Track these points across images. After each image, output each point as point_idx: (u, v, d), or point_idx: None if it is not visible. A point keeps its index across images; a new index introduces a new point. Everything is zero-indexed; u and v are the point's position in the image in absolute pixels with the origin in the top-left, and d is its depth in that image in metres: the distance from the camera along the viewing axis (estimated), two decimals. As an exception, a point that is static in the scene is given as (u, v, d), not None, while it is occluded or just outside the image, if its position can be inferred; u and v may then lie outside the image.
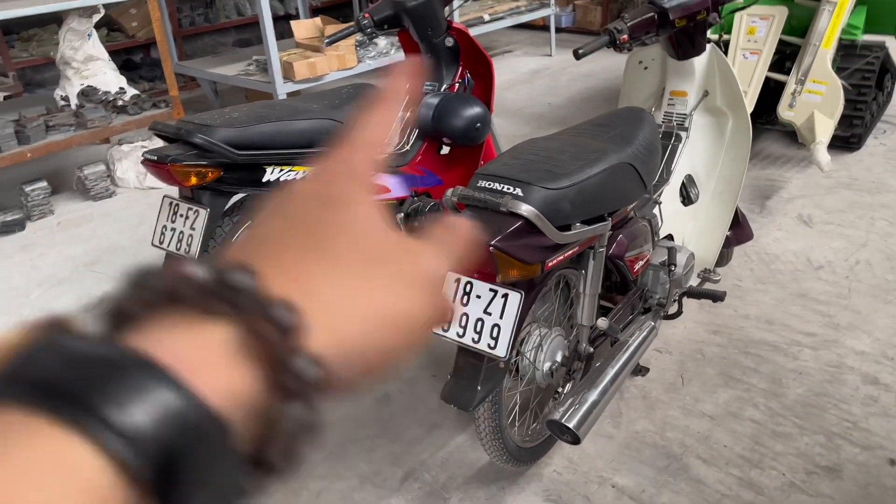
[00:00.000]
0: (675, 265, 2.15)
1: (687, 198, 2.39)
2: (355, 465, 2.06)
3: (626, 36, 2.15)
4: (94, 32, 4.16)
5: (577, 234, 1.61)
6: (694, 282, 2.44)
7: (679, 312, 2.30)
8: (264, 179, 2.13)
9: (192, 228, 2.09)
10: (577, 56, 2.15)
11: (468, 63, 2.84)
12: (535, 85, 5.56)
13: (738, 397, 2.23)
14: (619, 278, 2.07)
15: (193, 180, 2.02)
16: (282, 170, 2.15)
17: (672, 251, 2.16)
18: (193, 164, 1.99)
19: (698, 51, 2.28)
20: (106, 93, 4.11)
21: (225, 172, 2.05)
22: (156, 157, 1.99)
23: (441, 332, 1.68)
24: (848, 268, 2.87)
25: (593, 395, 1.81)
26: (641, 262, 2.07)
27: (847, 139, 3.87)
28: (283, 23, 6.22)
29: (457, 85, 2.86)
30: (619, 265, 1.97)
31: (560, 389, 1.90)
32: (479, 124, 2.69)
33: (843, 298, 2.68)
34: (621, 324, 2.06)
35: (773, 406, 2.19)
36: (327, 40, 2.78)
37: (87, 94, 4.07)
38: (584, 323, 1.85)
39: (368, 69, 4.90)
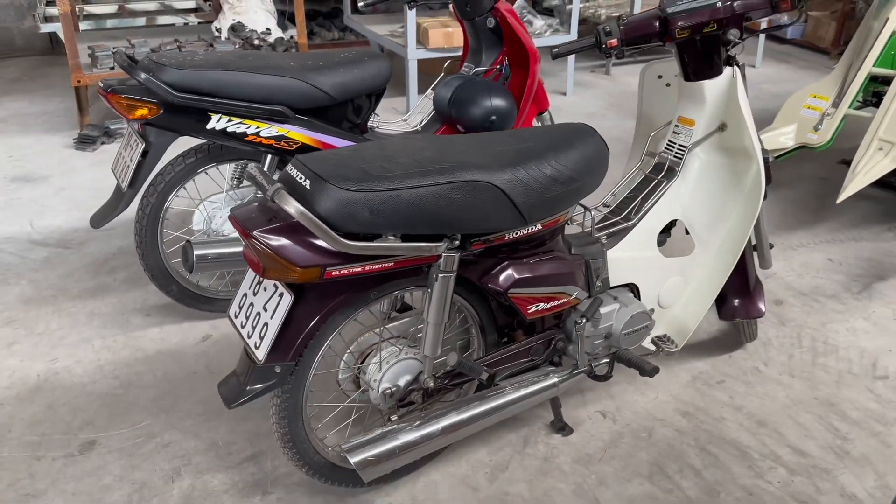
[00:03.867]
0: (589, 319, 1.79)
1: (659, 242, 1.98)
2: (216, 427, 2.02)
3: (614, 40, 1.80)
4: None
5: (375, 248, 1.39)
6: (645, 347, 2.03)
7: (608, 376, 1.93)
8: (209, 126, 2.11)
9: (131, 160, 2.15)
10: (554, 56, 1.85)
11: (511, 49, 2.58)
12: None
13: (649, 497, 1.82)
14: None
15: (136, 114, 2.06)
16: (230, 120, 2.13)
17: (595, 302, 1.80)
18: (130, 98, 2.03)
19: (711, 72, 1.85)
20: (252, 31, 4.37)
21: (165, 112, 2.07)
22: (102, 85, 2.06)
23: (231, 317, 1.56)
24: (920, 389, 2.21)
25: (403, 439, 1.59)
26: (549, 304, 1.75)
27: None
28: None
29: (494, 70, 2.62)
30: (506, 301, 1.69)
31: (393, 417, 1.68)
32: (494, 117, 2.45)
33: (884, 424, 2.07)
34: (499, 367, 1.77)
35: (682, 521, 1.76)
36: (361, 4, 2.67)
37: (236, 29, 4.37)
38: (427, 353, 1.61)
39: (515, 48, 4.69)
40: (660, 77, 2.07)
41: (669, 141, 1.96)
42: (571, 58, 4.99)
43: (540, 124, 2.88)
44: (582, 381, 1.94)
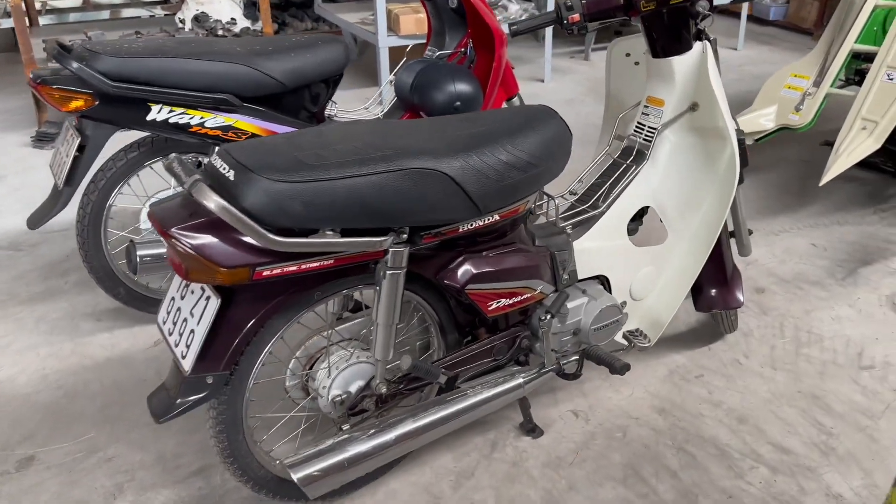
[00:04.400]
0: (555, 315, 1.67)
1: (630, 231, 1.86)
2: (164, 438, 1.89)
3: (577, 15, 1.68)
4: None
5: (310, 244, 1.27)
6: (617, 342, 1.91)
7: (577, 374, 1.81)
8: (149, 118, 1.98)
9: (67, 156, 2.02)
10: (512, 33, 1.73)
11: (476, 31, 2.45)
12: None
13: (622, 501, 1.71)
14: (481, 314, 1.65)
15: (70, 106, 1.93)
16: (172, 110, 1.99)
17: (561, 297, 1.69)
18: (62, 89, 1.89)
19: (680, 48, 1.73)
20: (216, 21, 4.22)
21: (100, 103, 1.94)
22: (32, 76, 1.92)
23: (160, 323, 1.43)
24: (908, 378, 2.11)
25: (352, 451, 1.47)
26: (511, 300, 1.63)
27: None
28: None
29: (459, 53, 2.49)
30: (464, 299, 1.57)
31: (344, 427, 1.56)
32: (458, 103, 2.32)
33: (870, 418, 1.96)
34: (460, 369, 1.65)
35: (658, 528, 1.65)
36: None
37: (200, 19, 4.22)
38: (378, 357, 1.49)
39: (489, 34, 4.56)
40: (628, 55, 1.95)
41: (638, 123, 1.84)
42: (549, 43, 4.86)
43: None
44: (551, 379, 1.83)
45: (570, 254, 1.74)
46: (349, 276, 1.45)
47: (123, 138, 2.17)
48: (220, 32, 4.06)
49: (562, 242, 1.74)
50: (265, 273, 1.27)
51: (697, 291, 2.05)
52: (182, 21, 4.30)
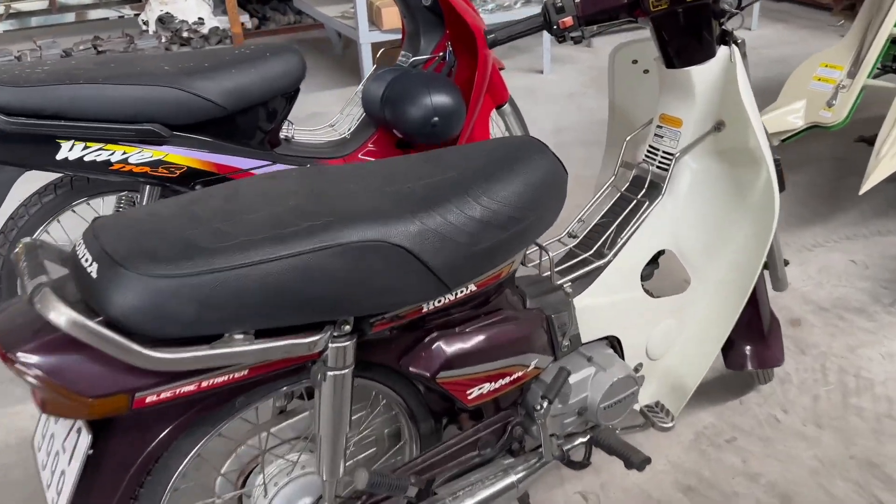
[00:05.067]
0: (553, 400, 1.33)
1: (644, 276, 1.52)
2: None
3: (569, 18, 1.33)
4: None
5: (209, 358, 0.93)
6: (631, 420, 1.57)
7: (585, 463, 1.47)
8: (59, 157, 1.64)
9: (-36, 205, 1.69)
10: (490, 44, 1.39)
11: (455, 32, 2.10)
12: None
13: None
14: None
15: (-40, 146, 1.59)
16: (87, 147, 1.65)
17: (560, 375, 1.34)
18: (-56, 128, 1.56)
19: (701, 55, 1.37)
20: (182, 21, 3.88)
21: (-3, 142, 1.61)
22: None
23: (35, 449, 1.10)
24: (982, 435, 1.76)
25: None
26: (497, 384, 1.29)
27: None
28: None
29: (436, 59, 2.13)
30: (435, 388, 1.23)
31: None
32: (436, 119, 1.97)
33: (941, 491, 1.62)
34: (437, 470, 1.32)
35: None
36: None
37: (165, 21, 3.87)
38: (325, 477, 1.16)
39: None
40: (635, 62, 1.60)
41: (651, 147, 1.49)
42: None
43: (500, 126, 2.40)
44: (554, 467, 1.50)
45: (571, 315, 1.40)
46: (279, 378, 1.11)
47: (39, 178, 1.84)
48: (185, 34, 3.71)
49: (560, 302, 1.39)
50: (150, 399, 0.93)
51: (728, 345, 1.70)
52: (146, 23, 3.95)
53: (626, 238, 1.44)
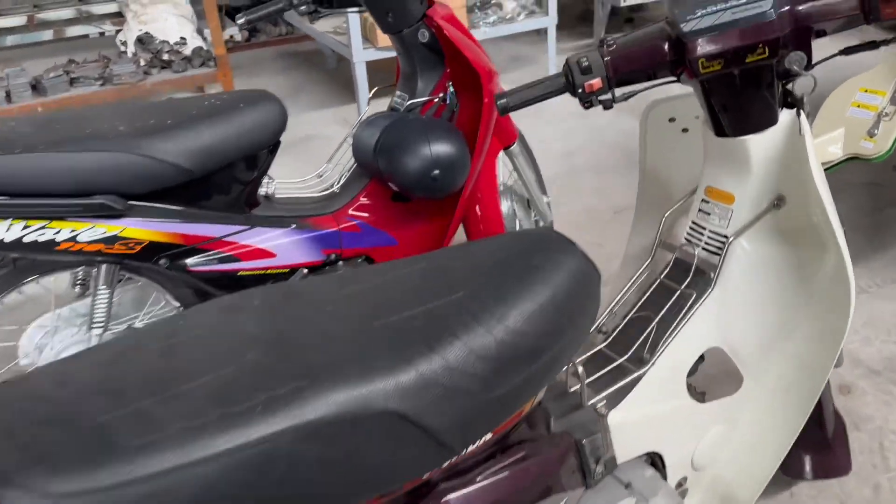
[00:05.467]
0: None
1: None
2: None
3: (597, 80, 1.09)
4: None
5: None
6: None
7: None
8: (-5, 239, 1.40)
9: None
10: (502, 110, 1.15)
11: (457, 70, 1.85)
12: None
13: None
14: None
15: None
16: (27, 226, 1.41)
17: (594, 520, 1.10)
18: None
19: (760, 123, 1.13)
20: (163, 42, 3.62)
21: (-84, 225, 1.36)
22: None
23: None
24: None
25: None
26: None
27: None
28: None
29: (436, 102, 1.89)
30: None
31: None
32: (436, 171, 1.73)
33: None
34: None
35: None
36: (240, 20, 1.94)
37: (144, 41, 3.62)
38: None
39: (482, 38, 3.93)
40: (672, 120, 1.35)
41: (695, 225, 1.25)
42: (552, 37, 4.24)
43: (507, 167, 2.16)
44: None
45: (605, 436, 1.15)
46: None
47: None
48: (166, 56, 3.46)
49: (591, 421, 1.15)
50: None
51: (784, 448, 1.46)
52: (124, 43, 3.70)
53: (668, 337, 1.19)
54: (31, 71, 3.31)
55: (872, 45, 1.08)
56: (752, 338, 1.26)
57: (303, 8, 1.87)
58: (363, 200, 1.87)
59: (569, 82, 1.12)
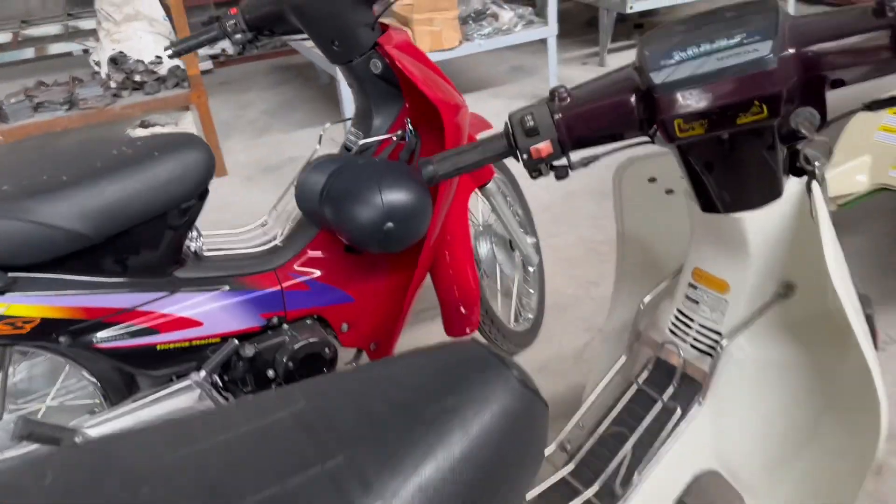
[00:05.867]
0: None
1: None
2: None
3: (545, 144, 0.84)
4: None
5: None
6: None
7: None
8: None
9: None
10: (428, 181, 0.90)
11: (417, 106, 1.60)
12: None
13: None
14: None
15: None
16: None
17: None
18: None
19: (760, 195, 0.87)
20: (137, 61, 3.42)
21: None
22: None
23: None
24: None
25: None
26: None
27: None
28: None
29: (393, 140, 1.64)
30: None
31: None
32: (390, 224, 1.48)
33: None
34: None
35: None
36: (167, 51, 1.70)
37: (118, 61, 3.41)
38: None
39: (477, 51, 3.68)
40: (653, 180, 1.09)
41: (681, 315, 0.99)
42: (553, 49, 3.97)
43: (483, 213, 1.91)
44: None
45: None
46: None
47: None
48: (138, 77, 3.24)
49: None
50: None
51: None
52: (97, 63, 3.50)
53: (648, 466, 0.94)
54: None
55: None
56: (755, 457, 1.00)
57: (238, 37, 1.63)
58: (311, 254, 1.63)
59: (511, 145, 0.87)
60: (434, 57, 3.58)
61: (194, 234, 1.55)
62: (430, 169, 0.91)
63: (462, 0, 3.76)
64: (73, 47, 4.48)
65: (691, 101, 0.77)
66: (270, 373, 1.57)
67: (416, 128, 1.63)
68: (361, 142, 1.63)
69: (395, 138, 1.63)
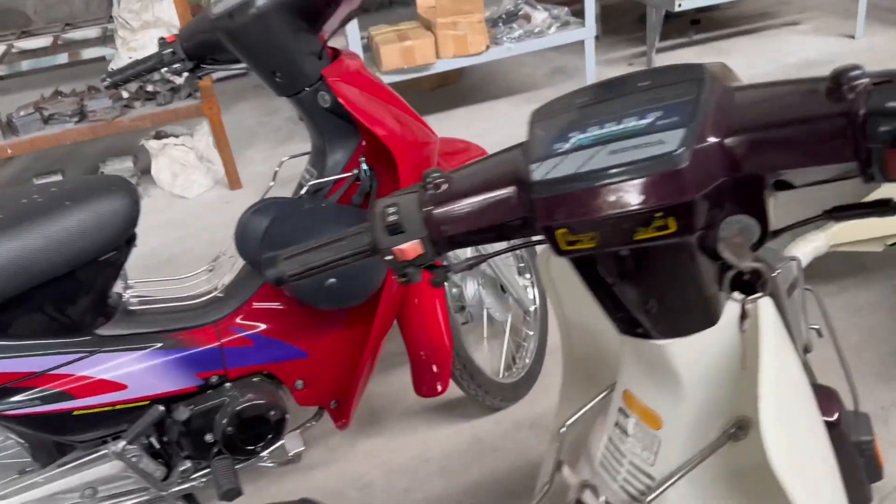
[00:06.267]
0: None
1: None
2: None
3: (413, 245, 0.66)
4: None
5: None
6: None
7: None
8: None
9: None
10: (276, 283, 0.73)
11: (373, 143, 1.42)
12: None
13: None
14: None
15: None
16: None
17: None
18: None
19: (684, 323, 0.65)
20: (154, 70, 3.34)
21: None
22: None
23: None
24: None
25: None
26: None
27: None
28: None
29: (348, 179, 1.47)
30: None
31: None
32: (331, 280, 1.32)
33: None
34: None
35: None
36: (106, 82, 1.57)
37: (134, 70, 3.34)
38: None
39: (506, 56, 3.46)
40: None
41: (612, 446, 0.78)
42: (590, 52, 3.71)
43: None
44: None
45: None
46: None
47: None
48: (150, 88, 3.17)
49: None
50: None
51: None
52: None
53: None
54: (8, 107, 3.09)
55: (883, 208, 0.58)
56: None
57: (177, 66, 1.49)
58: (256, 305, 1.47)
59: (372, 247, 0.68)
60: (459, 63, 3.39)
61: (123, 284, 1.42)
62: (277, 271, 0.73)
63: (492, 0, 3.54)
64: (107, 52, 4.46)
65: (575, 207, 0.57)
66: (209, 437, 1.42)
67: (373, 167, 1.45)
68: (312, 182, 1.46)
69: (350, 177, 1.46)
